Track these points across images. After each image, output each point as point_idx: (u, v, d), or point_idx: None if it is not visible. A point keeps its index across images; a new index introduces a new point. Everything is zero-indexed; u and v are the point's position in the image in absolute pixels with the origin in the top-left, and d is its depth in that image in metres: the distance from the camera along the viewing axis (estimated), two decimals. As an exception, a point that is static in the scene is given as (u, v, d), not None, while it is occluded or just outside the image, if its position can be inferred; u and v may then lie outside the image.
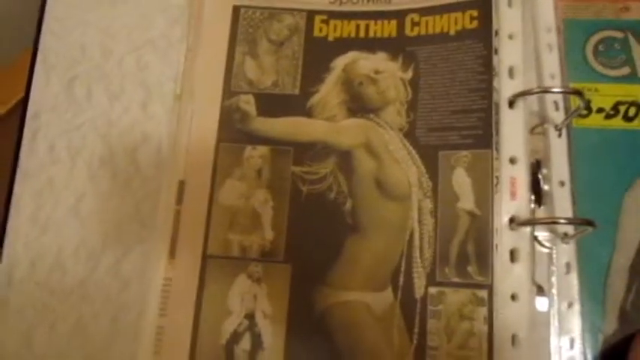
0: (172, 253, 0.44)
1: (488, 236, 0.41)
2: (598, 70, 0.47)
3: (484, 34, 0.45)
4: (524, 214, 0.41)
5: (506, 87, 0.43)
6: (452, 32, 0.46)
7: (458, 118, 0.44)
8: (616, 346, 0.41)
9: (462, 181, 0.42)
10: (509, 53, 0.44)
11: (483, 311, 0.40)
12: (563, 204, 0.43)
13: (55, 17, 0.53)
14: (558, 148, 0.45)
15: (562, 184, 0.44)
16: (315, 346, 0.41)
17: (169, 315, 0.43)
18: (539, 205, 0.44)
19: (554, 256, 0.43)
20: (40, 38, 0.52)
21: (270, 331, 0.42)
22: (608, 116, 0.46)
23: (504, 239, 0.41)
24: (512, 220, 0.41)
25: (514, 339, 0.39)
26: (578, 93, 0.42)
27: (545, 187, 0.44)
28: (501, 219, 0.41)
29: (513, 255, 0.41)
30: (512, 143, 0.42)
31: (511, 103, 0.43)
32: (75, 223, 0.47)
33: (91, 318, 0.44)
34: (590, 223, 0.40)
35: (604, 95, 0.46)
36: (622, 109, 0.46)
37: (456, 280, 0.41)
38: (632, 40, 0.47)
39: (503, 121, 0.43)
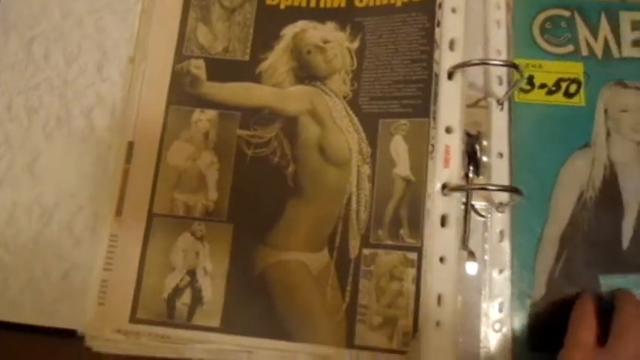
0: (119, 210, 0.45)
1: (421, 201, 0.42)
2: (543, 47, 0.48)
3: (428, 6, 0.46)
4: (456, 181, 0.43)
5: (446, 59, 0.45)
6: (398, 4, 0.47)
7: (399, 88, 0.45)
8: (544, 311, 0.43)
9: (399, 148, 0.44)
10: (451, 26, 0.45)
11: (412, 272, 0.41)
12: (500, 175, 0.45)
13: (17, -24, 0.53)
14: (499, 121, 0.46)
15: (500, 155, 0.45)
16: (253, 302, 0.43)
17: (114, 270, 0.44)
18: (477, 176, 0.45)
19: (489, 224, 0.44)
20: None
21: (210, 287, 0.43)
22: (549, 92, 0.47)
23: (436, 204, 0.42)
24: (444, 187, 0.43)
25: (440, 298, 0.41)
26: (515, 66, 0.43)
27: (484, 159, 0.45)
28: (434, 185, 0.43)
29: (444, 220, 0.42)
30: (448, 113, 0.44)
31: (450, 75, 0.44)
32: (30, 181, 0.48)
33: (42, 274, 0.45)
34: (517, 190, 0.41)
35: (547, 72, 0.47)
36: (563, 85, 0.47)
37: (388, 242, 0.42)
38: (578, 18, 0.48)
39: (441, 91, 0.44)
